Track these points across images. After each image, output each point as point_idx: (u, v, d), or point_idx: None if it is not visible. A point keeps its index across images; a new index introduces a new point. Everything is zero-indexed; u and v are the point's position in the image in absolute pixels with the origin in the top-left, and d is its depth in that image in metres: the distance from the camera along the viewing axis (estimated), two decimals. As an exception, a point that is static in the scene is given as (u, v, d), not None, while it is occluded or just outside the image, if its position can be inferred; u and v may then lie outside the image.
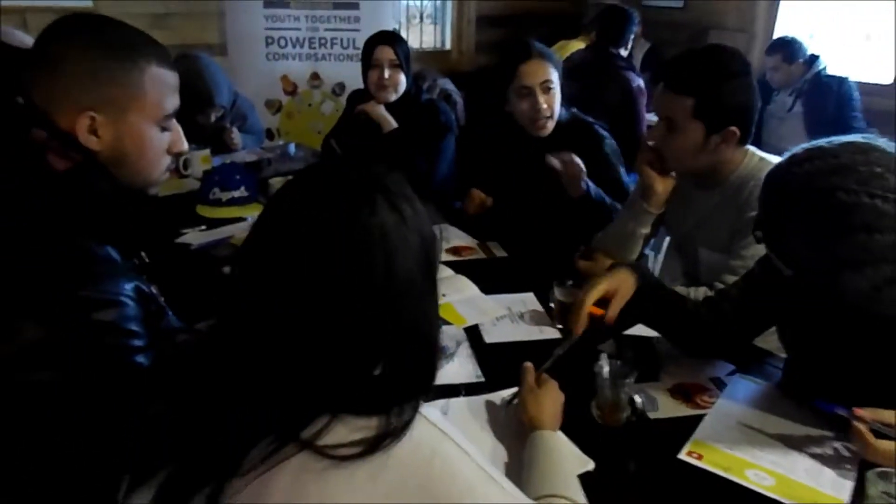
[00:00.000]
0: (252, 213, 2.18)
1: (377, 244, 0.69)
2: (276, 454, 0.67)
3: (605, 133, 2.04)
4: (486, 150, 2.17)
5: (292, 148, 2.94)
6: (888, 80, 3.79)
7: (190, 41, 3.51)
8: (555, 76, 1.95)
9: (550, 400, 1.13)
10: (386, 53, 2.34)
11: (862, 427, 1.03)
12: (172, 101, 1.06)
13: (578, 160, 1.85)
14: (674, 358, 1.40)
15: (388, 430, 0.68)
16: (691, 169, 1.58)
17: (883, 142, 1.03)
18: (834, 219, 0.99)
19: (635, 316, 1.39)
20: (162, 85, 1.03)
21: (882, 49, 4.03)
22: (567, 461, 1.04)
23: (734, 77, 1.46)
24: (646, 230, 1.73)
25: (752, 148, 1.58)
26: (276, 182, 2.39)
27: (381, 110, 2.41)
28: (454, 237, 2.02)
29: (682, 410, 1.24)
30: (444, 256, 1.87)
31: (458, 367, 1.35)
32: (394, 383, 0.73)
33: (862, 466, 1.04)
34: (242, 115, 2.88)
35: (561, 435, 1.10)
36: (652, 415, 1.22)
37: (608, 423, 1.18)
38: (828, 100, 3.54)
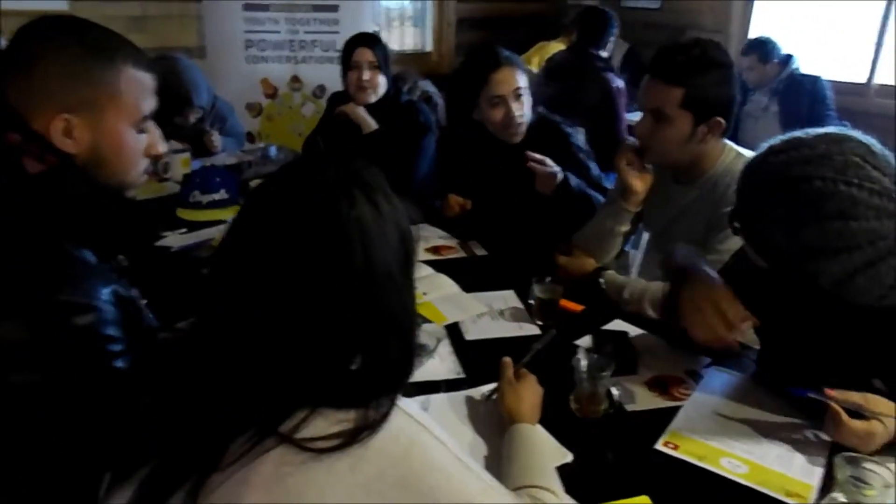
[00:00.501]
0: (232, 215, 2.17)
1: (355, 237, 0.71)
2: (256, 448, 0.68)
3: (571, 130, 2.06)
4: (461, 154, 2.18)
5: (273, 150, 2.94)
6: (861, 79, 3.88)
7: (168, 44, 3.49)
8: (524, 81, 1.97)
9: (529, 393, 1.15)
10: (365, 55, 2.35)
11: (837, 407, 1.06)
12: (149, 103, 1.05)
13: (550, 163, 1.88)
14: (651, 351, 1.43)
15: (367, 423, 0.69)
16: (676, 161, 1.60)
17: (857, 133, 1.05)
18: (809, 206, 1.01)
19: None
20: (138, 86, 1.03)
21: (855, 48, 4.11)
22: (545, 453, 1.05)
23: (720, 67, 1.49)
24: (625, 228, 1.75)
25: (729, 143, 1.61)
26: (257, 184, 2.39)
27: (361, 111, 2.42)
28: (434, 236, 2.03)
29: (659, 402, 1.26)
30: (425, 255, 1.89)
31: (439, 364, 1.36)
32: (371, 376, 0.74)
33: (832, 452, 1.07)
34: (222, 117, 2.88)
35: (539, 428, 1.11)
36: (629, 407, 1.24)
37: (586, 415, 1.20)
38: (802, 98, 3.61)
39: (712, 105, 1.49)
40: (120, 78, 1.00)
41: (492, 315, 1.58)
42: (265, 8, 3.73)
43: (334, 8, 3.79)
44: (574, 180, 1.91)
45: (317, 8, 3.78)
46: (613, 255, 1.77)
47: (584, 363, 1.20)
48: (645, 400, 1.27)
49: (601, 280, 1.63)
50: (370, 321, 0.73)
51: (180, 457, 0.70)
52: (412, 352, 0.79)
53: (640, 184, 1.69)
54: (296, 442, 0.67)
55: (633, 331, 1.50)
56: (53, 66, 0.96)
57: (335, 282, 0.70)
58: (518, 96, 1.95)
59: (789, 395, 1.19)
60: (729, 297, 1.19)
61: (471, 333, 1.50)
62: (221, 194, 2.24)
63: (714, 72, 1.48)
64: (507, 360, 1.22)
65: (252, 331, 0.71)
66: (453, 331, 1.50)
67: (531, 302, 1.56)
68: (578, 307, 1.61)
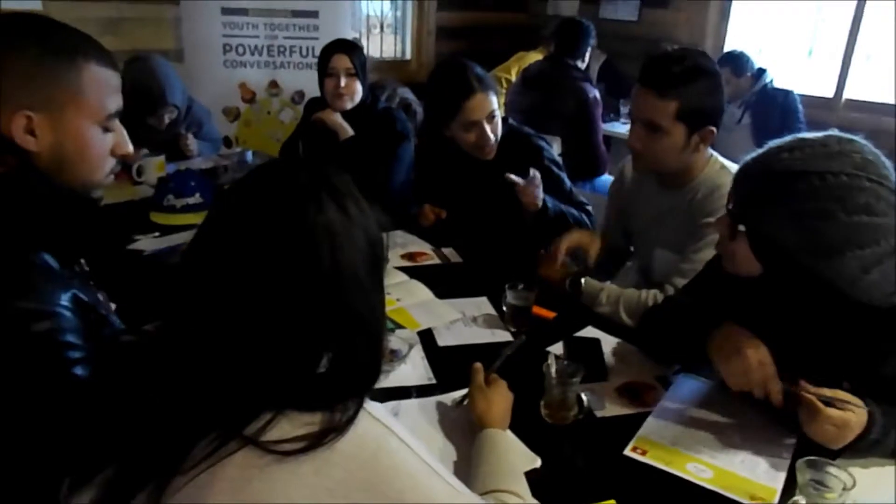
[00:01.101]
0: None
1: (322, 241, 0.71)
2: (220, 451, 0.67)
3: (542, 143, 2.07)
4: (435, 166, 2.18)
5: (249, 156, 2.91)
6: (829, 94, 3.98)
7: (143, 46, 3.44)
8: (495, 101, 1.96)
9: (499, 398, 1.16)
10: (342, 62, 2.35)
11: (811, 397, 1.07)
12: (115, 101, 1.04)
13: (537, 180, 1.87)
14: (622, 358, 1.44)
15: (333, 426, 0.69)
16: (668, 169, 1.60)
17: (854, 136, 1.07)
18: (835, 201, 1.00)
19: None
20: (102, 84, 1.01)
21: (824, 64, 4.24)
22: (514, 457, 1.06)
23: (711, 77, 1.51)
24: None
25: (714, 153, 1.63)
26: (228, 187, 2.37)
27: (338, 118, 2.42)
28: (410, 243, 2.03)
29: (629, 408, 1.27)
30: (400, 262, 1.89)
31: (411, 370, 1.36)
32: (338, 379, 0.74)
33: (795, 457, 1.09)
34: (198, 121, 2.85)
35: (509, 433, 1.12)
36: (599, 413, 1.25)
37: (556, 421, 1.21)
38: (773, 111, 3.67)
39: (706, 115, 1.50)
40: (82, 76, 0.99)
41: (465, 322, 1.58)
42: (244, 12, 3.71)
43: (314, 14, 3.78)
44: (551, 202, 1.93)
45: (296, 13, 3.76)
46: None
47: (554, 369, 1.21)
48: (615, 406, 1.28)
49: (582, 280, 1.64)
50: (337, 324, 0.73)
51: (142, 459, 0.69)
52: (379, 355, 0.79)
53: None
54: (260, 444, 0.67)
55: (605, 338, 1.52)
56: (14, 66, 0.94)
57: (302, 285, 0.70)
58: (492, 118, 1.94)
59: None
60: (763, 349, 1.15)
61: (443, 339, 1.50)
62: (196, 198, 2.22)
63: (705, 81, 1.49)
64: (478, 365, 1.22)
65: (219, 332, 0.71)
66: (426, 337, 1.50)
67: (504, 308, 1.57)
68: (551, 314, 1.62)
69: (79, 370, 0.91)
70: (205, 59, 3.73)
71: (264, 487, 0.67)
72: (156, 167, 2.51)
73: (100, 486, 0.70)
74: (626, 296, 1.58)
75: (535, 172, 1.87)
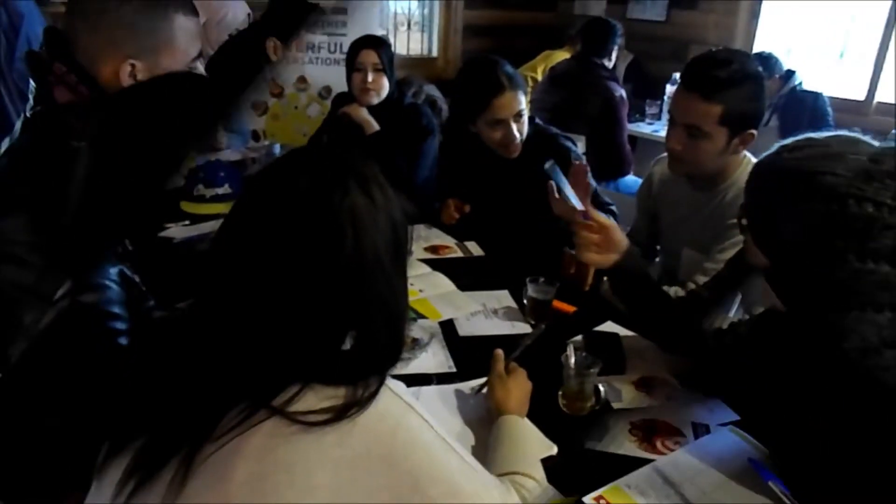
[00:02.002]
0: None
1: (347, 224, 0.74)
2: (248, 420, 0.71)
3: (569, 144, 2.05)
4: (460, 163, 2.19)
5: (277, 149, 2.98)
6: (860, 97, 3.89)
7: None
8: (524, 100, 1.95)
9: (518, 387, 1.18)
10: (370, 57, 2.39)
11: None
12: (196, 46, 1.18)
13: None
14: (639, 353, 1.45)
15: (355, 400, 0.72)
16: (708, 172, 1.58)
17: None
18: (827, 202, 0.88)
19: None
20: (188, 32, 1.15)
21: (855, 66, 4.14)
22: (530, 444, 1.08)
23: (755, 81, 1.48)
24: None
25: (748, 154, 1.61)
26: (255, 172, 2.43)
27: (364, 113, 2.45)
28: (433, 236, 2.07)
29: (645, 401, 1.28)
30: (423, 254, 1.93)
31: (431, 358, 1.39)
32: (361, 357, 0.77)
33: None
34: (227, 115, 2.91)
35: (526, 420, 1.14)
36: (616, 405, 1.27)
37: (573, 412, 1.22)
38: (802, 114, 3.59)
39: (748, 119, 1.49)
40: (173, 25, 1.12)
41: (485, 313, 1.61)
42: (274, 9, 3.77)
43: (343, 11, 3.82)
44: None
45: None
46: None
47: (572, 360, 1.23)
48: (632, 398, 1.29)
49: (604, 279, 1.64)
50: (359, 302, 0.76)
51: (176, 427, 0.73)
52: (401, 336, 0.82)
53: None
54: (287, 415, 0.70)
55: (624, 333, 1.53)
56: (119, 18, 1.06)
57: (326, 265, 0.73)
58: (519, 117, 1.94)
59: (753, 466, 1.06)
60: None
61: (464, 330, 1.52)
62: (225, 189, 2.28)
63: (750, 86, 1.47)
64: (499, 352, 1.25)
65: (247, 311, 0.74)
66: (447, 327, 1.53)
67: (525, 301, 1.59)
68: (571, 308, 1.64)
69: (122, 340, 0.95)
70: (236, 54, 3.79)
71: (288, 454, 0.70)
72: (187, 158, 2.57)
73: (133, 453, 0.74)
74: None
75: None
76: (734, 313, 1.65)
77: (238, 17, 2.43)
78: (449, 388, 1.28)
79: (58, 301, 0.92)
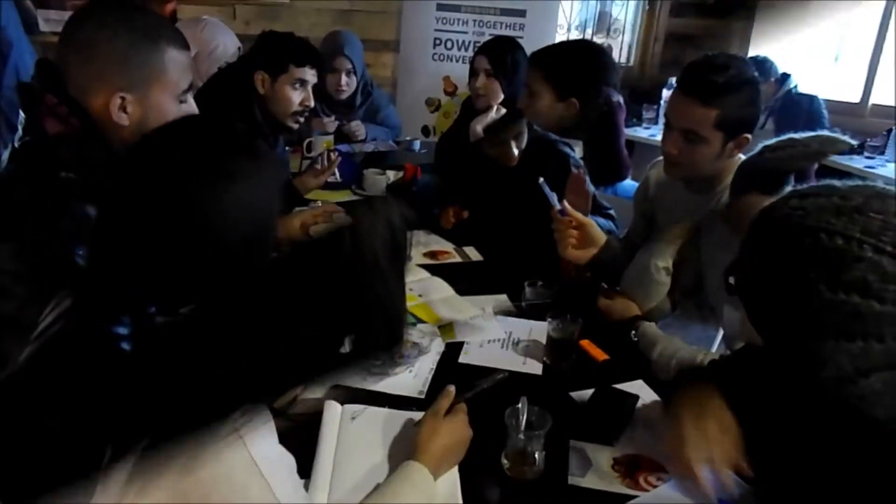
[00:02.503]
0: (339, 198, 2.29)
1: (346, 228, 0.77)
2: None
3: (567, 150, 1.97)
4: (458, 171, 2.20)
5: (417, 144, 3.03)
6: (855, 99, 3.89)
7: (368, 36, 3.76)
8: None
9: (450, 433, 1.05)
10: (480, 63, 2.37)
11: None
12: (187, 79, 1.17)
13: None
14: (651, 427, 1.20)
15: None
16: (703, 175, 1.55)
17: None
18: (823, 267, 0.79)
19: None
20: (180, 65, 1.15)
21: (850, 69, 4.02)
22: (416, 501, 0.95)
23: (752, 85, 1.46)
24: (663, 263, 1.56)
25: (743, 158, 1.50)
26: (368, 173, 2.49)
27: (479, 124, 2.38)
28: (432, 242, 2.07)
29: (613, 486, 1.06)
30: (422, 260, 1.92)
31: (411, 379, 1.31)
32: (359, 359, 0.81)
33: None
34: (376, 108, 3.03)
35: (430, 479, 0.98)
36: (573, 480, 1.07)
37: (514, 475, 1.06)
38: (798, 117, 3.51)
39: (744, 123, 1.46)
40: (164, 57, 1.12)
41: (484, 317, 1.57)
42: (457, 8, 3.84)
43: (522, 13, 3.77)
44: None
45: (504, 12, 3.79)
46: (657, 300, 1.53)
47: (523, 416, 1.06)
48: (598, 477, 1.08)
49: (634, 331, 1.42)
50: (357, 307, 0.77)
51: (178, 431, 0.74)
52: (399, 335, 0.83)
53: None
54: (290, 417, 0.71)
55: (650, 398, 1.29)
56: (108, 51, 1.08)
57: (325, 270, 0.76)
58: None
59: None
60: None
61: (468, 356, 1.40)
62: (335, 178, 2.39)
63: (747, 91, 1.44)
64: (451, 388, 1.13)
65: (248, 315, 0.77)
66: (451, 350, 1.42)
67: (522, 304, 1.54)
68: (602, 355, 1.42)
69: (125, 345, 0.99)
70: (417, 50, 3.95)
71: None
72: (324, 145, 2.73)
73: (137, 454, 0.76)
74: (682, 352, 1.32)
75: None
76: (716, 348, 1.61)
77: (228, 50, 2.49)
78: (400, 415, 1.18)
79: (43, 332, 0.94)
